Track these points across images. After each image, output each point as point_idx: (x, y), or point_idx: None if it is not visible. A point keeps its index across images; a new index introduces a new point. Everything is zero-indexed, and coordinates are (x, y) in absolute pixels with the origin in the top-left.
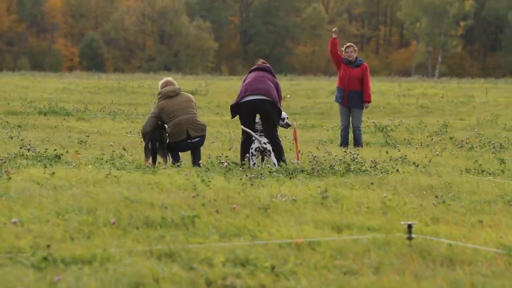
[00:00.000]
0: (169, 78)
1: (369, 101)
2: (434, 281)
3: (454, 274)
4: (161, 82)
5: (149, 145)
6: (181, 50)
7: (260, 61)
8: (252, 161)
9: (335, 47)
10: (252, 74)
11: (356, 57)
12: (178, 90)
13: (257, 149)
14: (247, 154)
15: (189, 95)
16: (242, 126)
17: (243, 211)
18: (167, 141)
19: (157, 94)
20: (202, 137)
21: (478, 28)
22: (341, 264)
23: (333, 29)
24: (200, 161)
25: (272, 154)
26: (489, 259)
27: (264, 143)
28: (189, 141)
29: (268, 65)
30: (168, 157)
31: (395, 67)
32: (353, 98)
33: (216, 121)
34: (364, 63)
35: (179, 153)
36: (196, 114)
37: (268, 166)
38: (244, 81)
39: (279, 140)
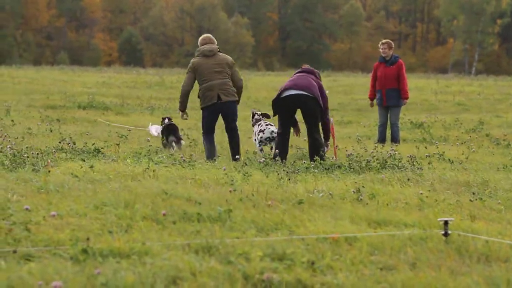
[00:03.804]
0: (209, 35)
1: (407, 98)
2: (470, 277)
3: (490, 270)
4: (200, 38)
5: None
6: (219, 45)
7: (304, 66)
8: (260, 147)
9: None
10: (296, 75)
11: (392, 54)
12: (215, 50)
13: (268, 138)
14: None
15: (227, 56)
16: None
17: (280, 206)
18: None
19: (195, 51)
20: (233, 102)
21: None
22: (377, 259)
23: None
24: (238, 156)
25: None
26: None
27: (273, 131)
28: (219, 102)
29: (312, 68)
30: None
31: (432, 64)
32: (391, 96)
33: None
34: (400, 59)
35: (215, 145)
36: (229, 79)
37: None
38: None
39: (319, 136)
